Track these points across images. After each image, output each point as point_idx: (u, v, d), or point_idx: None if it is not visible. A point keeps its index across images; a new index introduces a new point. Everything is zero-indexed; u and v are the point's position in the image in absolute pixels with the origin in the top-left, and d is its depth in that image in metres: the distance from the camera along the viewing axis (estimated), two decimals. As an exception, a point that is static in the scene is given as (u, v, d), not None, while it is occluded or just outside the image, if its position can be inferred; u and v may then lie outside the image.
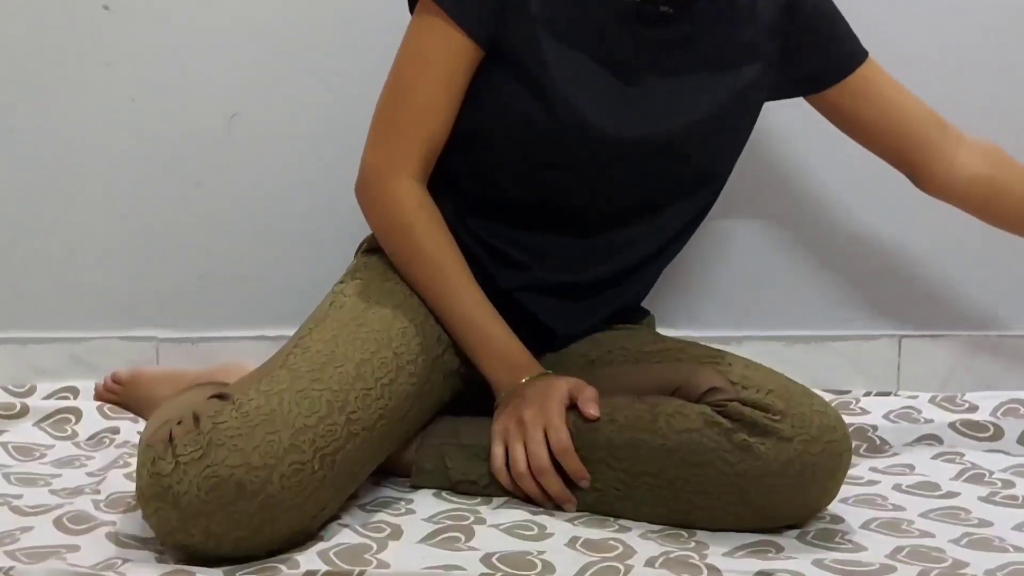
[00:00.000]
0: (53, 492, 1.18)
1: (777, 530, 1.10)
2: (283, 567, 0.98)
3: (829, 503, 1.14)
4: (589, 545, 1.05)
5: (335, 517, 1.10)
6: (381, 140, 1.24)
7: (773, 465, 1.06)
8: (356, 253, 1.37)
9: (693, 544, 1.07)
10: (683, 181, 1.29)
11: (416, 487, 1.22)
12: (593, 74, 1.22)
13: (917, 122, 1.38)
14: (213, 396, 1.05)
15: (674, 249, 1.36)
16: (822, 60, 1.35)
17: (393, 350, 1.16)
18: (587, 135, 1.21)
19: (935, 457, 1.39)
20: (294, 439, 1.00)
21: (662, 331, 1.41)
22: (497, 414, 1.18)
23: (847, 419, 1.19)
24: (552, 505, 1.14)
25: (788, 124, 1.61)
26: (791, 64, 1.33)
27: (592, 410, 1.13)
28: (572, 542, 1.06)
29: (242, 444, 0.98)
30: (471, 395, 1.26)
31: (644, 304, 1.43)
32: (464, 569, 0.97)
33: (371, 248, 1.33)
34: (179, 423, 1.00)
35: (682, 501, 1.11)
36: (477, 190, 1.29)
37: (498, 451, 1.15)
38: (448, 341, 1.24)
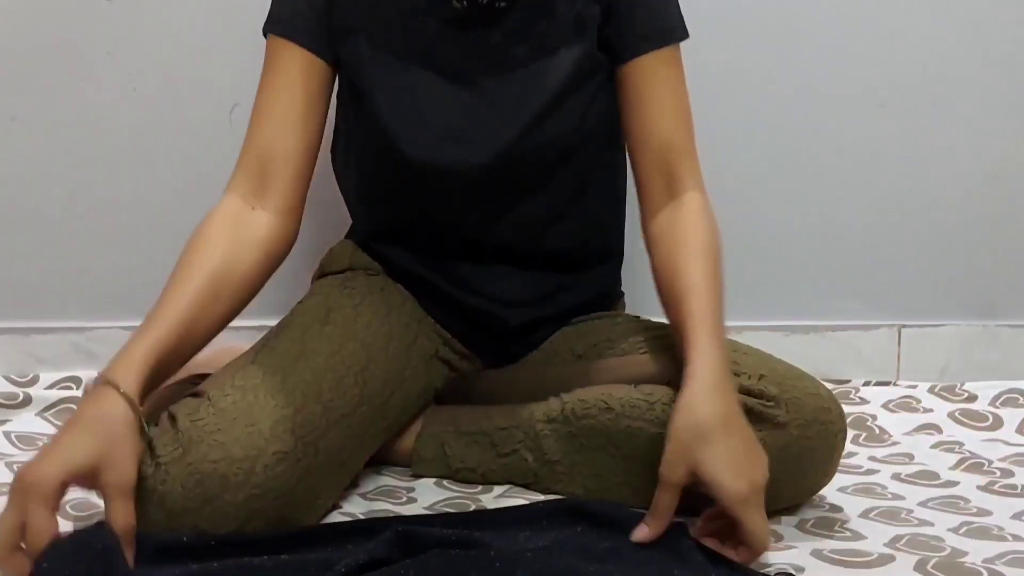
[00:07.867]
0: (56, 480, 1.19)
1: (776, 517, 1.10)
2: (285, 555, 0.98)
3: (827, 483, 1.15)
4: (589, 533, 1.05)
5: (336, 506, 1.11)
6: None
7: (771, 451, 1.05)
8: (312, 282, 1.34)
9: (693, 533, 1.07)
10: (547, 162, 1.20)
11: (417, 476, 1.23)
12: (426, 88, 1.16)
13: (655, 148, 1.18)
14: (187, 396, 1.05)
15: (593, 209, 1.27)
16: (623, 29, 1.18)
17: (360, 340, 1.16)
18: (425, 170, 1.17)
19: (934, 446, 1.40)
20: (274, 429, 1.00)
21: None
22: None
23: (846, 408, 1.19)
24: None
25: (785, 115, 1.62)
26: (606, 23, 1.18)
27: None
28: (572, 530, 1.06)
29: (222, 438, 0.98)
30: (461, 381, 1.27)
31: (645, 292, 1.41)
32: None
33: (323, 273, 1.32)
34: (155, 425, 1.00)
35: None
36: (366, 215, 1.30)
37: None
38: (419, 327, 1.24)
